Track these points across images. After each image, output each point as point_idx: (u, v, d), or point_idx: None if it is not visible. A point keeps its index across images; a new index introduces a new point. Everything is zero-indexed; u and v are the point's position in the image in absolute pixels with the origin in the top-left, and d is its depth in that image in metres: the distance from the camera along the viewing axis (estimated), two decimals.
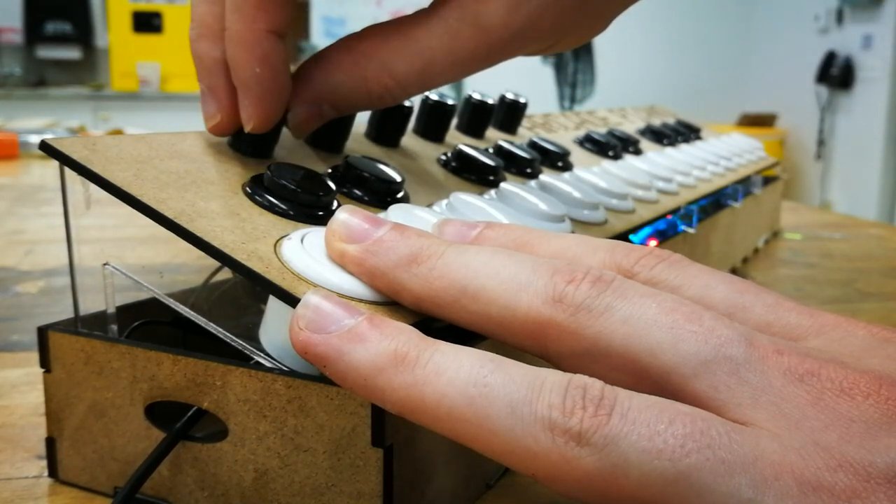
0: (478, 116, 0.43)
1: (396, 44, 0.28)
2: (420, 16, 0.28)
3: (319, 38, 3.97)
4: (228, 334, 0.25)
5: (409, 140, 0.38)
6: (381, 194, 0.30)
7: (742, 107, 4.59)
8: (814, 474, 0.17)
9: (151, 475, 0.25)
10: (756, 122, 4.39)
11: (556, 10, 0.28)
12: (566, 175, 0.42)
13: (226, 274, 0.32)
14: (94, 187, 0.25)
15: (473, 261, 0.22)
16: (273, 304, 0.25)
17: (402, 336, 0.20)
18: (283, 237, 0.24)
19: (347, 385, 0.20)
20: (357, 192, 0.29)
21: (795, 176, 4.38)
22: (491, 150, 0.40)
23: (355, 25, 4.13)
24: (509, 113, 0.47)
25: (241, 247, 0.23)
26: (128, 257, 0.62)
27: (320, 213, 0.27)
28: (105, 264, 0.27)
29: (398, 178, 0.30)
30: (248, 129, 0.28)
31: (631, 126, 0.62)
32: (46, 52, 3.91)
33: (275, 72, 0.27)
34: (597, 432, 0.17)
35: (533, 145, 0.44)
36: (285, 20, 0.27)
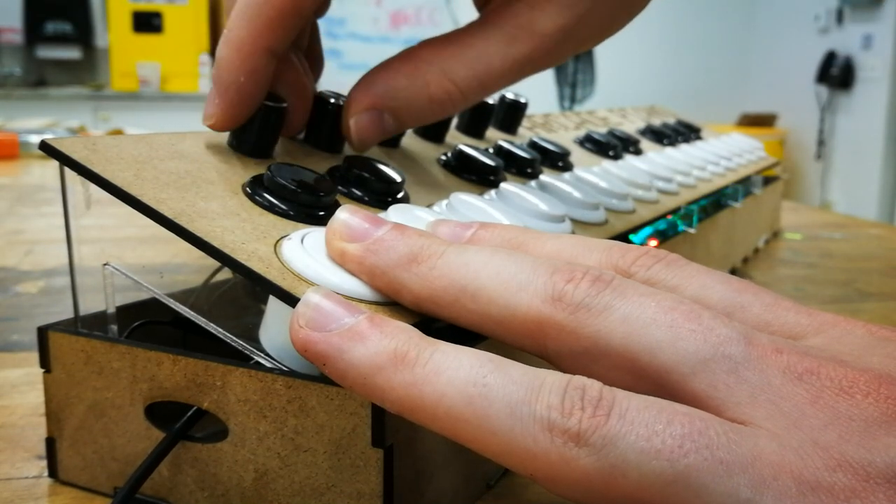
0: (478, 116, 0.43)
1: (455, 51, 0.29)
2: (476, 26, 0.29)
3: None
4: (228, 334, 0.25)
5: (409, 140, 0.38)
6: (381, 194, 0.30)
7: (742, 107, 4.59)
8: (812, 474, 0.17)
9: (151, 475, 0.25)
10: (756, 122, 4.39)
11: (603, 8, 0.29)
12: (566, 175, 0.42)
13: (226, 274, 0.32)
14: (94, 187, 0.25)
15: (473, 260, 0.22)
16: (273, 304, 0.25)
17: (402, 335, 0.20)
18: (283, 237, 0.24)
19: (347, 383, 0.20)
20: (357, 192, 0.29)
21: (795, 176, 4.38)
22: (491, 150, 0.40)
23: (355, 25, 4.14)
24: (509, 113, 0.47)
25: (241, 247, 0.23)
26: (128, 257, 0.62)
27: (320, 213, 0.27)
28: (105, 264, 0.27)
29: (398, 178, 0.30)
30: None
31: (631, 126, 0.62)
32: (46, 52, 3.90)
33: (257, 86, 0.28)
34: (595, 433, 0.17)
35: (533, 145, 0.44)
36: (285, 42, 0.28)
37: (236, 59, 0.28)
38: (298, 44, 0.32)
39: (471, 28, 0.30)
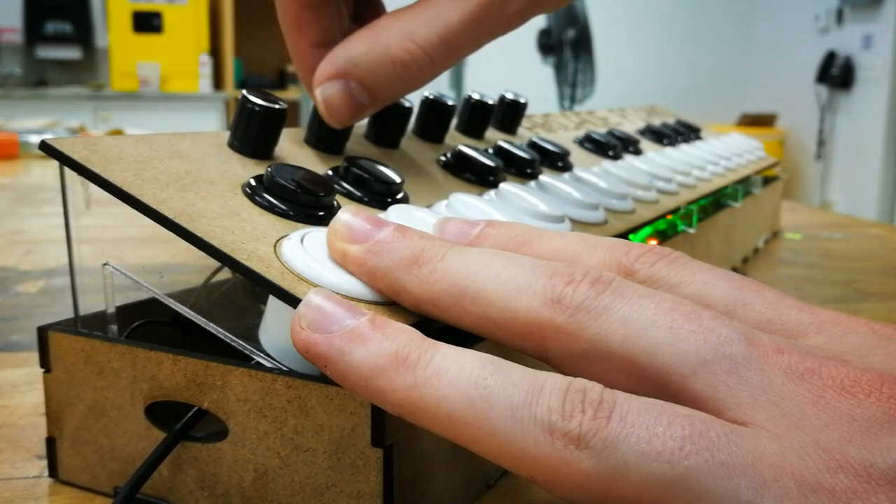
0: (477, 116, 0.43)
1: (413, 12, 0.29)
2: None
3: None
4: (228, 334, 0.25)
5: (409, 141, 0.38)
6: (380, 195, 0.30)
7: (742, 107, 4.59)
8: (814, 475, 0.17)
9: (151, 475, 0.25)
10: (756, 122, 4.39)
11: None
12: (566, 175, 0.42)
13: (226, 274, 0.32)
14: (94, 187, 0.25)
15: (473, 263, 0.22)
16: (273, 304, 0.25)
17: (403, 337, 0.20)
18: (282, 237, 0.24)
19: (348, 385, 0.20)
20: (357, 192, 0.29)
21: (795, 176, 4.38)
22: (490, 151, 0.40)
23: None
24: (509, 113, 0.47)
25: (241, 247, 0.23)
26: (128, 257, 0.62)
27: (320, 213, 0.27)
28: (105, 264, 0.27)
29: (398, 179, 0.30)
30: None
31: (631, 126, 0.62)
32: (46, 52, 3.91)
33: None
34: (596, 435, 0.17)
35: (533, 145, 0.44)
36: (324, 34, 0.31)
37: (297, 65, 0.32)
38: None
39: None
